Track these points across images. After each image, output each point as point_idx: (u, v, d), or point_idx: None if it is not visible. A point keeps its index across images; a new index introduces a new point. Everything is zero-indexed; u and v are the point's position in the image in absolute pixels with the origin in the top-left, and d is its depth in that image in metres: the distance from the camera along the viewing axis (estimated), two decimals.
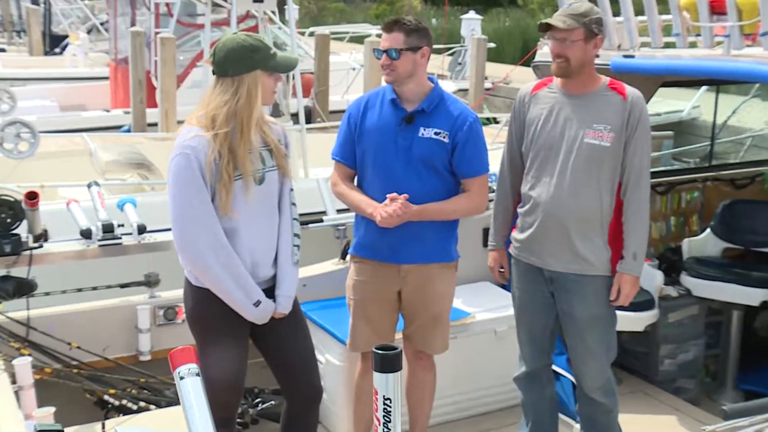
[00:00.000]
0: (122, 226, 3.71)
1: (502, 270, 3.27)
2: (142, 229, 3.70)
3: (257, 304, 2.68)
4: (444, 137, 3.01)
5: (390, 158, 3.01)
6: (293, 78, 8.33)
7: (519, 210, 3.16)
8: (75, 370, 3.50)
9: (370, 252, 3.13)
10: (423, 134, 3.00)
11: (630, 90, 2.98)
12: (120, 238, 3.67)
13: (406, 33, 2.97)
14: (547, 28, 2.94)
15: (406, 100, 3.05)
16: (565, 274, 3.02)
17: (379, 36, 14.36)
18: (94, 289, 3.91)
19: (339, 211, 4.45)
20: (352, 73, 13.20)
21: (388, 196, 2.95)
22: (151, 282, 3.84)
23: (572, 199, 2.96)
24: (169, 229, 3.99)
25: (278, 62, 2.64)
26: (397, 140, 3.01)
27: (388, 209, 2.92)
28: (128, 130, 11.00)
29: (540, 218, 3.03)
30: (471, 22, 17.11)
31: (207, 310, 2.70)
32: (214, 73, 2.64)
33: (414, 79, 3.02)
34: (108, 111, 11.98)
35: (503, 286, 4.45)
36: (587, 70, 2.97)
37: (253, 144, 2.63)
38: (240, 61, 2.58)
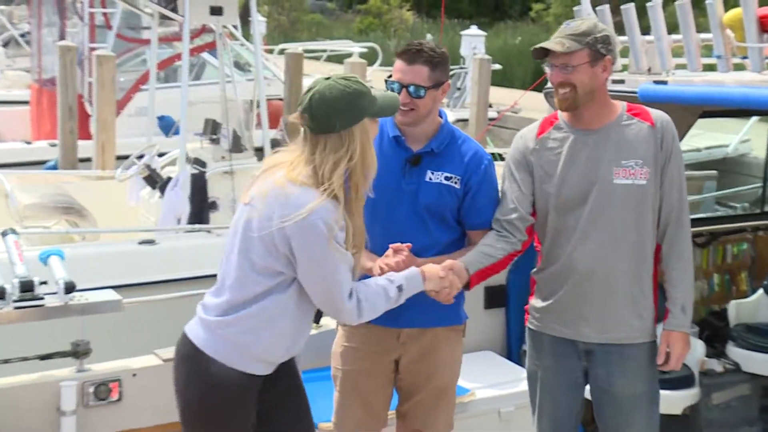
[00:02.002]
0: (45, 283, 3.70)
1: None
2: (70, 288, 3.69)
3: (400, 288, 2.80)
4: (455, 183, 3.07)
5: (393, 205, 3.06)
6: (258, 105, 8.42)
7: (537, 275, 3.19)
8: None
9: None
10: (431, 179, 3.06)
11: (656, 114, 3.05)
12: (42, 298, 3.66)
13: (432, 66, 3.01)
14: (544, 53, 2.99)
15: (411, 139, 3.10)
16: (606, 346, 3.05)
17: (363, 56, 14.56)
18: (6, 362, 3.87)
19: None
20: None
21: (390, 246, 2.98)
22: (79, 352, 3.81)
23: (610, 253, 3.00)
24: (103, 288, 4.01)
25: (383, 104, 2.69)
26: (401, 185, 3.07)
27: (389, 262, 2.96)
28: (54, 167, 11.00)
29: (572, 280, 3.05)
30: (473, 39, 17.39)
31: (224, 400, 2.72)
32: (312, 131, 2.65)
33: (429, 118, 3.08)
34: (29, 143, 12.01)
35: (510, 358, 4.46)
36: (600, 98, 3.03)
37: None
38: (349, 112, 2.61)
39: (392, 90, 3.03)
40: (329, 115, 2.60)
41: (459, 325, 3.23)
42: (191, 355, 2.74)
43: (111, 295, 3.81)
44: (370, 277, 3.03)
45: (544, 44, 2.97)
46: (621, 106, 3.08)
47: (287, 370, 2.86)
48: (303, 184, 2.61)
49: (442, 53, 3.04)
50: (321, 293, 2.69)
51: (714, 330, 4.70)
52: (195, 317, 2.80)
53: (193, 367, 2.73)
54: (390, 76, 3.05)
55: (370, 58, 15.81)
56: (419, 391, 3.19)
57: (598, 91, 3.01)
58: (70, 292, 3.70)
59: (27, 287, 3.63)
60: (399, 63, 3.02)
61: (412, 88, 2.99)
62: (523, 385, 3.97)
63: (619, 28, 4.24)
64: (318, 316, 4.04)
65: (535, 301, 3.19)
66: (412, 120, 3.04)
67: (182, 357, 2.78)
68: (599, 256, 3.00)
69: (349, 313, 2.71)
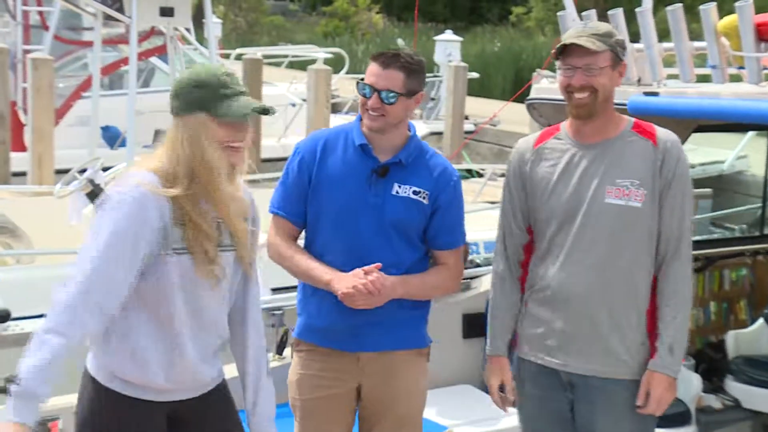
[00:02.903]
0: None
1: (503, 393, 3.21)
2: (4, 317, 3.67)
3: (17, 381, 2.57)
4: (424, 198, 3.13)
5: (356, 218, 3.10)
6: None
7: (526, 294, 3.22)
8: None
9: (322, 337, 3.19)
10: (398, 192, 3.12)
11: (662, 133, 3.07)
12: None
13: (407, 73, 3.08)
14: (562, 51, 3.01)
15: (379, 148, 3.15)
16: (588, 378, 3.06)
17: (328, 62, 14.60)
18: None
19: (275, 290, 4.45)
20: (292, 109, 13.37)
21: (363, 269, 3.01)
22: None
23: (595, 278, 3.02)
24: (40, 316, 3.98)
25: (229, 107, 2.66)
26: (367, 197, 3.12)
27: (357, 284, 2.97)
28: None
29: (554, 305, 3.08)
30: (448, 45, 17.52)
31: (111, 420, 2.72)
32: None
33: (398, 128, 3.14)
34: None
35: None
36: (610, 108, 3.08)
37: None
38: (184, 97, 2.66)
39: (364, 95, 3.09)
40: (174, 94, 2.70)
41: (423, 349, 3.26)
42: (84, 374, 2.78)
43: None
44: (325, 292, 3.07)
45: (574, 40, 2.98)
46: (627, 121, 3.11)
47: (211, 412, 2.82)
48: (145, 168, 2.68)
49: (420, 61, 3.13)
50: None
51: (711, 363, 4.72)
52: None
53: (82, 387, 2.78)
54: (362, 79, 3.12)
55: (336, 64, 15.90)
56: (381, 420, 3.21)
57: (610, 99, 3.06)
58: (4, 322, 3.68)
59: None
60: (373, 66, 3.09)
61: (384, 94, 3.05)
62: (505, 422, 3.99)
63: None
64: (281, 347, 4.07)
65: (520, 326, 3.22)
66: (380, 126, 3.09)
67: (82, 375, 2.81)
68: (583, 281, 3.03)
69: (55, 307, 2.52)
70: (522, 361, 3.22)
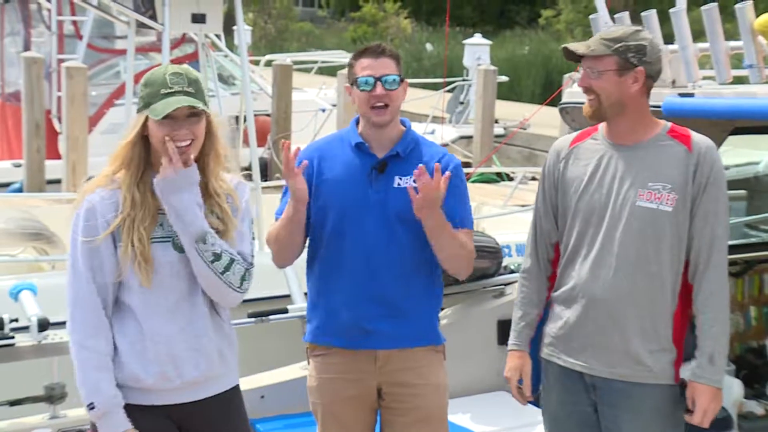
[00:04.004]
0: (16, 320, 3.69)
1: (521, 386, 3.26)
2: (43, 325, 3.68)
3: (91, 406, 2.80)
4: None
5: (361, 216, 3.15)
6: (245, 121, 8.44)
7: (553, 294, 3.21)
8: None
9: (334, 337, 3.21)
10: (399, 184, 3.17)
11: (697, 138, 3.05)
12: (12, 337, 3.65)
13: (397, 61, 3.19)
14: (572, 55, 3.06)
15: (376, 145, 3.21)
16: (611, 381, 3.05)
17: None
18: None
19: None
20: (322, 115, 13.41)
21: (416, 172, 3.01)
22: (54, 397, 3.80)
23: (622, 280, 3.01)
24: None
25: (157, 106, 2.70)
26: (369, 193, 3.17)
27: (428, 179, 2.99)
28: (20, 189, 11.04)
29: (579, 306, 3.07)
30: (477, 49, 17.50)
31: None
32: None
33: (394, 121, 3.21)
34: None
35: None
36: (632, 113, 3.05)
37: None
38: (139, 96, 2.78)
39: (365, 89, 3.11)
40: None
41: (438, 346, 3.28)
42: None
43: None
44: (333, 291, 3.12)
45: (569, 44, 3.05)
46: (662, 125, 3.10)
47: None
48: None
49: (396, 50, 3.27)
50: None
51: (752, 368, 4.67)
52: None
53: None
54: (355, 81, 3.15)
55: None
56: (402, 417, 3.22)
57: (629, 105, 3.03)
58: (43, 330, 3.69)
59: None
60: (366, 60, 3.15)
61: (388, 78, 3.12)
62: (540, 429, 3.96)
63: None
64: None
65: (547, 326, 3.22)
66: (390, 117, 3.15)
67: None
68: (609, 283, 3.01)
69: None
70: (546, 362, 3.21)
